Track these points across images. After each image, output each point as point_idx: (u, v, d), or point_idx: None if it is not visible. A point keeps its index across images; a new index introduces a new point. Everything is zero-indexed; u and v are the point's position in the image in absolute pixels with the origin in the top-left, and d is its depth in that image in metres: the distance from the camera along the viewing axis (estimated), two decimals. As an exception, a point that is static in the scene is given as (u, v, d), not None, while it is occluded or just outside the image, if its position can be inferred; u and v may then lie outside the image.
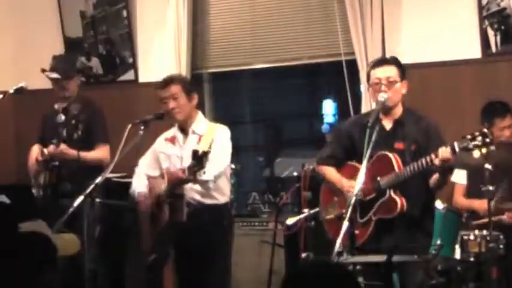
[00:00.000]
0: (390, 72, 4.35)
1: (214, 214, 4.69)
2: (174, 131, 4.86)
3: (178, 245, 4.74)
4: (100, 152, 5.34)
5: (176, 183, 4.50)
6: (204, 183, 4.54)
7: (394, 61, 4.44)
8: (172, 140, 4.82)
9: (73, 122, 4.97)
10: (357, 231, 4.33)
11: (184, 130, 4.79)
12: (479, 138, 3.92)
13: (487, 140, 3.91)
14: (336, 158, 4.56)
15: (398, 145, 4.33)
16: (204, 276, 4.67)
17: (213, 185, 4.60)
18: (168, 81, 4.78)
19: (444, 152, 4.02)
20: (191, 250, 4.66)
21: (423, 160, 4.10)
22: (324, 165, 4.62)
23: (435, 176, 4.23)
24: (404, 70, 4.42)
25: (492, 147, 3.94)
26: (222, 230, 4.75)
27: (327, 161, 4.60)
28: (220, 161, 4.59)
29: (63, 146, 5.15)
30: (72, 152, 5.16)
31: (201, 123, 4.80)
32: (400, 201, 4.22)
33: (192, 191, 4.62)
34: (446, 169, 4.17)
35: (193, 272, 4.69)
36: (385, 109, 4.35)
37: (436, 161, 4.04)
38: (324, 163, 4.62)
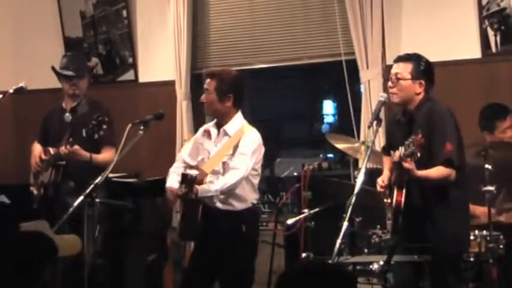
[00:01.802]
0: (402, 68, 4.35)
1: (231, 220, 4.55)
2: (212, 124, 4.75)
3: (201, 248, 4.68)
4: (108, 155, 5.32)
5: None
6: (209, 197, 4.46)
7: (413, 58, 4.39)
8: (209, 133, 4.72)
9: (94, 122, 4.92)
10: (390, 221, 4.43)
11: (218, 127, 4.67)
12: (411, 145, 3.99)
13: (413, 147, 3.98)
14: (386, 149, 4.64)
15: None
16: (224, 280, 4.62)
17: (217, 197, 4.47)
18: (208, 75, 4.66)
19: (394, 154, 4.14)
20: (211, 253, 4.56)
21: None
22: (383, 155, 4.76)
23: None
24: (424, 70, 4.37)
25: (418, 155, 3.99)
26: (239, 236, 4.55)
27: (383, 152, 4.75)
28: (233, 174, 4.46)
29: (76, 147, 5.13)
30: (85, 154, 5.14)
31: (235, 124, 4.62)
32: (396, 197, 4.24)
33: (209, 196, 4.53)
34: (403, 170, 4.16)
35: (212, 272, 4.62)
36: (399, 104, 4.42)
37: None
38: (382, 153, 4.79)
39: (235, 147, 4.52)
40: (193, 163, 4.72)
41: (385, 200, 4.49)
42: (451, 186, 4.29)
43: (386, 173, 4.52)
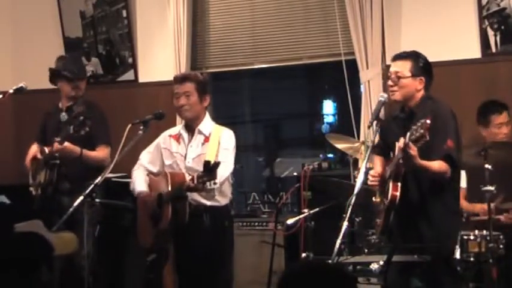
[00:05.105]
0: (401, 66, 4.34)
1: (215, 215, 4.67)
2: (179, 129, 4.84)
3: (179, 246, 4.72)
4: (102, 153, 5.32)
5: (180, 187, 4.47)
6: (210, 191, 4.53)
7: (411, 56, 4.38)
8: (177, 138, 4.79)
9: (81, 118, 4.98)
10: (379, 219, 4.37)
11: (190, 129, 4.78)
12: (418, 129, 3.90)
13: (422, 131, 3.88)
14: (380, 147, 4.57)
15: None
16: (206, 277, 4.65)
17: (218, 191, 4.60)
18: (184, 78, 4.78)
19: (399, 142, 4.03)
20: (193, 250, 4.64)
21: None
22: (373, 154, 4.62)
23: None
24: (423, 67, 4.36)
25: (427, 137, 3.89)
26: (223, 231, 4.73)
27: (373, 151, 4.57)
28: (225, 167, 4.56)
29: (67, 143, 5.14)
30: (76, 149, 5.15)
31: (208, 123, 4.77)
32: (391, 191, 4.17)
33: (195, 193, 4.60)
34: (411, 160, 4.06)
35: (196, 272, 4.66)
36: (400, 101, 4.38)
37: (398, 152, 4.07)
38: (372, 152, 4.57)
39: (218, 146, 4.65)
40: (155, 170, 4.81)
41: (373, 199, 4.44)
42: (447, 185, 4.27)
43: (378, 169, 4.47)
